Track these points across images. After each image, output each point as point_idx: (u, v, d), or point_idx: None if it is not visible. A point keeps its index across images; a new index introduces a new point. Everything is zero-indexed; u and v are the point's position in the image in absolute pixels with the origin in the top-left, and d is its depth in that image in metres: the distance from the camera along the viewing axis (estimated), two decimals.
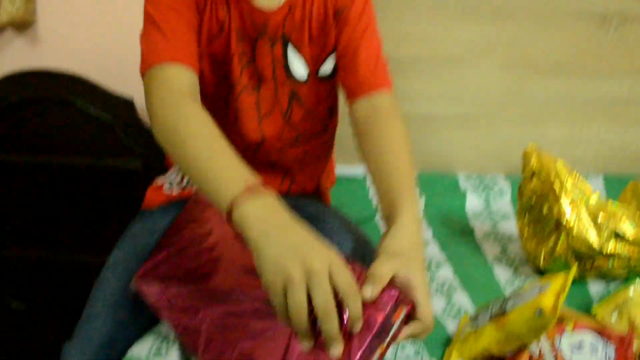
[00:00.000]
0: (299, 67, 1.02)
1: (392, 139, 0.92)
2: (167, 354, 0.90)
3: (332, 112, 1.10)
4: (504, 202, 1.37)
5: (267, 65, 1.00)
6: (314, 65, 1.03)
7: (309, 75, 1.02)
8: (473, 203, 1.37)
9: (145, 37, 0.90)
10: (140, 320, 0.99)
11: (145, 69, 0.87)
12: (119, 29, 1.54)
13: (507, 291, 1.05)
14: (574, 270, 0.86)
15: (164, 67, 0.86)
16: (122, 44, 1.48)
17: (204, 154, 0.75)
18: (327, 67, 1.04)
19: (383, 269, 0.69)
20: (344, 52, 1.00)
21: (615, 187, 1.39)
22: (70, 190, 1.60)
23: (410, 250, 0.75)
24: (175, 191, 1.11)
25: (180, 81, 0.85)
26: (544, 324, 0.78)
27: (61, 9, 1.58)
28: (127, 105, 1.50)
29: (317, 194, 1.17)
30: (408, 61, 1.45)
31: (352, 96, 1.00)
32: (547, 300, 0.79)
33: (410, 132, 1.48)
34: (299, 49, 1.01)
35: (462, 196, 1.39)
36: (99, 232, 1.42)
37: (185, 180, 1.11)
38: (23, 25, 1.59)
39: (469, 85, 1.45)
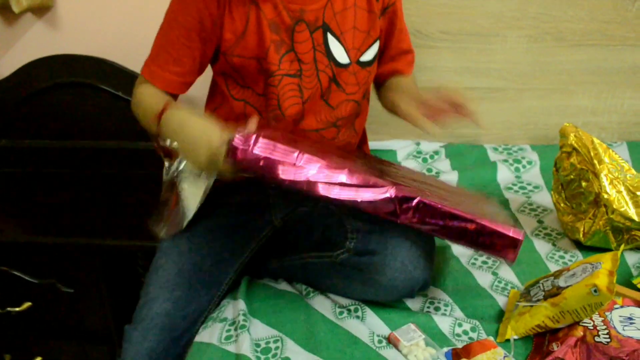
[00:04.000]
0: (339, 53, 1.04)
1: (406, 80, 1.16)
2: (237, 339, 0.96)
3: (366, 96, 1.13)
4: (534, 173, 1.40)
5: (307, 50, 1.02)
6: (356, 51, 1.05)
7: (350, 60, 1.05)
8: (504, 174, 1.41)
9: (156, 40, 1.04)
10: (198, 298, 1.05)
11: (143, 70, 1.05)
12: (139, 11, 1.54)
13: (549, 265, 1.10)
14: (622, 249, 0.91)
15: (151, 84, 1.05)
16: (141, 25, 1.48)
17: (148, 98, 1.04)
18: (369, 54, 1.06)
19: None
20: (387, 45, 1.08)
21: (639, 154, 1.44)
22: (97, 172, 1.63)
23: None
24: None
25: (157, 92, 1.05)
26: (600, 301, 0.84)
27: None
28: None
29: None
30: (436, 35, 1.46)
31: (382, 78, 1.16)
32: (602, 280, 0.84)
33: None
34: (339, 37, 1.03)
35: (493, 167, 1.43)
36: (131, 214, 1.46)
37: None
38: (42, 10, 1.59)
39: (497, 58, 1.47)
